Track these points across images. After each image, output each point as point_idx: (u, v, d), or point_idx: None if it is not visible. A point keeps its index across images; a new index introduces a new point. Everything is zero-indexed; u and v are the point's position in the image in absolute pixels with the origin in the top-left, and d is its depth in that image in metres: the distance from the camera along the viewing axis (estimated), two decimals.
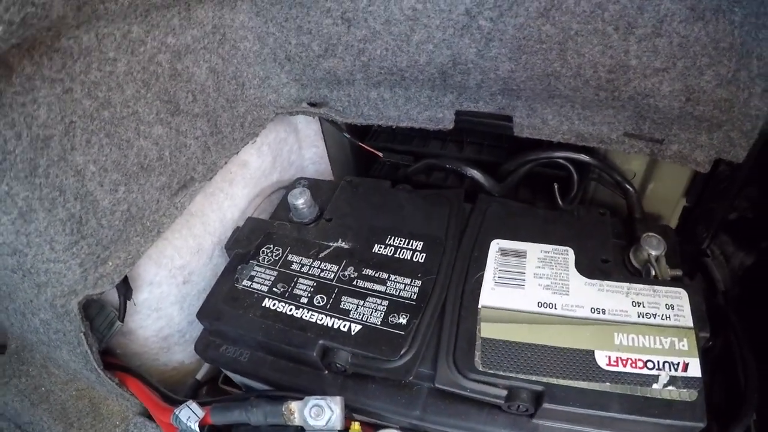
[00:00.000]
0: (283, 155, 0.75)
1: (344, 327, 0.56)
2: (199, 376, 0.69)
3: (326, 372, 0.57)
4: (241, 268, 0.64)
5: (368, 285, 0.60)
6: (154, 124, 0.57)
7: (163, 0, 0.53)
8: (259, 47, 0.65)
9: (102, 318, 0.61)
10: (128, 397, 0.62)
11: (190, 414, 0.55)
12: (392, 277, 0.60)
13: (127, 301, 0.61)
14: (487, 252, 0.61)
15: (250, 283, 0.62)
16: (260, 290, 0.61)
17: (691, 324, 0.53)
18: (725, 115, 0.55)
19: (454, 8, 0.57)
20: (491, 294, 0.58)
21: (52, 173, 0.49)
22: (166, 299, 0.65)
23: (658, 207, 0.71)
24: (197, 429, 0.53)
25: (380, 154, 0.74)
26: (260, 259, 0.64)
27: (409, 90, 0.65)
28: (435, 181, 0.77)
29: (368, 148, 0.74)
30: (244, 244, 0.66)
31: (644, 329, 0.53)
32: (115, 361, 0.64)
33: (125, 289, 0.60)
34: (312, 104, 0.70)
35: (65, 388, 0.67)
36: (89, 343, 0.56)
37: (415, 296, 0.58)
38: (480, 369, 0.52)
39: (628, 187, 0.65)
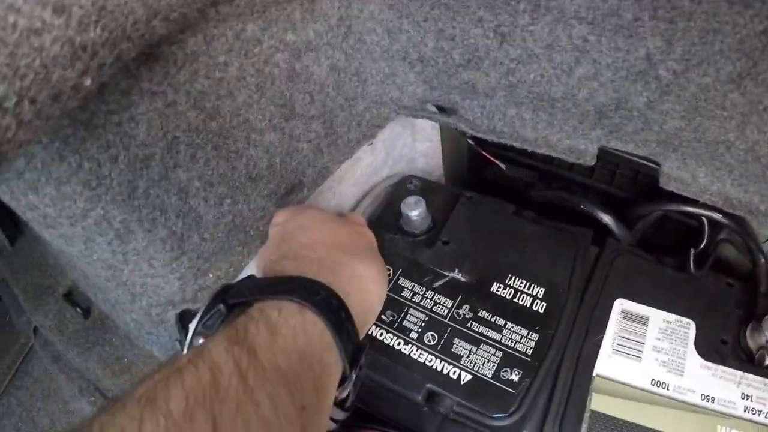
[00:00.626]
0: (396, 150, 0.70)
1: (454, 374, 0.56)
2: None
3: (425, 408, 0.57)
4: None
5: (483, 330, 0.58)
6: (266, 131, 0.53)
7: None
8: (388, 42, 0.58)
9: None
10: None
11: None
12: (509, 324, 0.58)
13: None
14: (610, 312, 0.59)
15: None
16: None
17: None
18: None
19: (633, 50, 0.50)
20: (607, 362, 0.57)
21: (153, 193, 0.46)
22: None
23: None
24: None
25: (503, 166, 0.69)
26: None
27: (554, 117, 0.59)
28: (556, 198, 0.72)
29: (491, 158, 0.69)
30: None
31: (747, 426, 0.53)
32: None
33: None
34: (439, 108, 0.64)
35: (148, 362, 0.68)
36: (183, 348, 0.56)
37: (531, 351, 0.57)
38: None
39: (759, 256, 0.62)
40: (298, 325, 0.39)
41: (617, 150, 0.60)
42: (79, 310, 0.69)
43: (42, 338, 0.71)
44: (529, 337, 0.58)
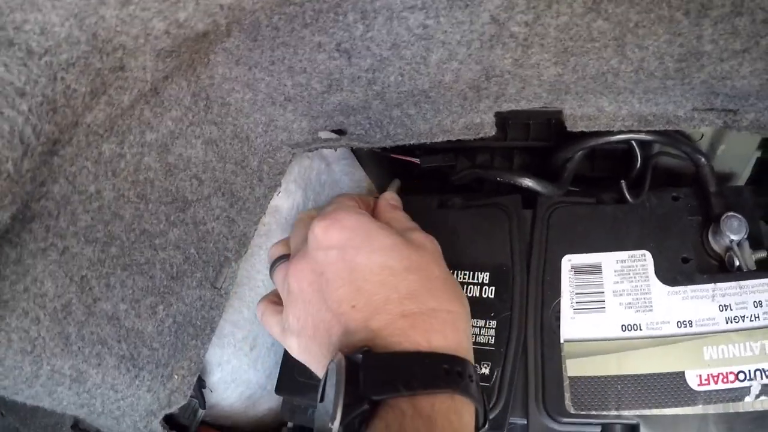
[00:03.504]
0: (313, 181, 0.71)
1: None
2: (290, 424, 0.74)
3: None
4: None
5: None
6: (168, 231, 0.55)
7: (122, 108, 0.47)
8: (251, 95, 0.59)
9: (184, 410, 0.64)
10: None
11: None
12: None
13: (203, 389, 0.64)
14: (560, 272, 0.59)
15: None
16: None
17: None
18: None
19: (476, 18, 0.49)
20: (572, 324, 0.57)
21: (86, 332, 0.48)
22: (239, 369, 0.67)
23: (729, 164, 0.66)
24: None
25: (417, 161, 0.70)
26: None
27: (437, 103, 0.59)
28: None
29: (402, 157, 0.69)
30: None
31: (733, 336, 0.52)
32: (206, 430, 0.68)
33: (198, 382, 0.62)
34: (332, 131, 0.65)
35: None
36: None
37: (493, 340, 0.58)
38: (572, 411, 0.53)
39: (699, 157, 0.60)
40: (451, 413, 0.40)
41: (512, 110, 0.59)
42: None
43: None
44: (487, 326, 0.59)
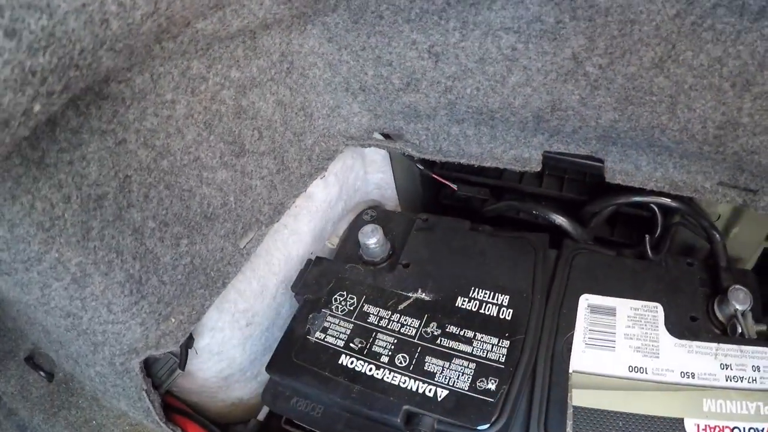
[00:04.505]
0: (349, 183, 0.75)
1: (430, 392, 0.57)
2: (261, 417, 0.71)
3: (406, 431, 0.58)
4: (313, 317, 0.64)
5: (453, 344, 0.61)
6: (218, 169, 0.56)
7: (228, 31, 0.50)
8: (330, 75, 0.63)
9: (161, 365, 0.63)
10: None
11: None
12: (478, 336, 0.61)
13: (189, 350, 0.62)
14: (577, 308, 0.62)
15: (324, 335, 0.63)
16: (336, 345, 0.62)
17: None
18: None
19: (559, 51, 0.55)
20: (582, 357, 0.59)
21: (108, 234, 0.48)
22: (228, 342, 0.66)
23: (738, 249, 0.72)
24: None
25: (455, 187, 0.74)
26: (333, 308, 0.65)
27: (496, 129, 0.64)
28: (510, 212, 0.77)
29: (442, 179, 0.73)
30: (314, 288, 0.67)
31: (731, 394, 0.55)
32: (172, 401, 0.66)
33: (187, 338, 0.61)
34: (385, 135, 0.68)
35: (118, 423, 0.67)
36: (151, 399, 0.57)
37: (504, 358, 0.59)
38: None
39: (714, 233, 0.66)
40: None
41: (560, 153, 0.64)
42: (42, 373, 0.69)
43: (5, 408, 0.70)
44: (500, 345, 0.60)
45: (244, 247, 0.61)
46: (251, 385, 0.71)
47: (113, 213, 0.48)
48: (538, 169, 0.65)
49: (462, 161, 0.66)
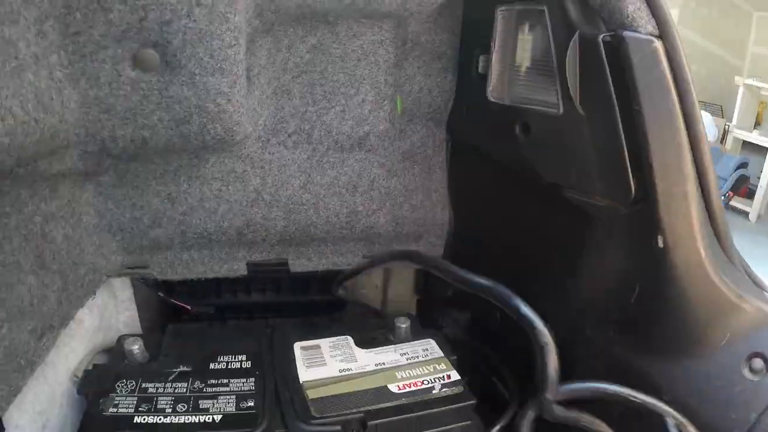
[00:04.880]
0: (105, 318, 0.95)
1: (208, 419, 0.78)
2: None
3: None
4: (103, 401, 0.80)
5: (216, 389, 0.83)
6: (29, 274, 0.74)
7: (42, 174, 0.74)
8: (98, 220, 0.89)
9: None
10: None
11: None
12: (232, 380, 0.85)
13: None
14: (293, 353, 0.91)
15: (115, 410, 0.79)
16: (128, 412, 0.79)
17: (441, 354, 0.91)
18: (422, 228, 1.00)
19: (246, 187, 0.92)
20: (307, 372, 0.87)
21: None
22: None
23: (401, 305, 1.11)
24: None
25: (188, 307, 1.00)
26: (118, 391, 0.82)
27: (213, 250, 0.96)
28: None
29: (178, 303, 0.99)
30: (97, 383, 0.83)
31: (414, 365, 0.89)
32: None
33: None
34: (132, 268, 0.94)
35: None
36: None
37: (254, 387, 0.84)
38: (317, 416, 0.80)
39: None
40: None
41: (257, 261, 0.98)
42: None
43: None
44: (248, 381, 0.86)
45: (43, 344, 0.76)
46: None
47: None
48: (245, 274, 0.97)
49: (192, 277, 0.95)
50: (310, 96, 0.92)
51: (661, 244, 0.64)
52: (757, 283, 0.68)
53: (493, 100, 0.88)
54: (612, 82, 0.64)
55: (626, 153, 0.65)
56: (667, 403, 0.66)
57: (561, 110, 0.74)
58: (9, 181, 0.68)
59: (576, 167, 0.75)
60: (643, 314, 0.71)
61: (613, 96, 0.65)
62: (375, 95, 0.95)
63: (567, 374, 0.75)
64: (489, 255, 0.97)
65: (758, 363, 0.61)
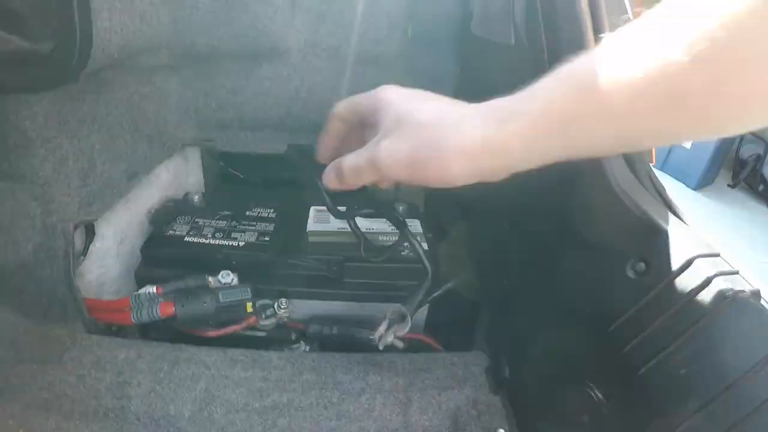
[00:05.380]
0: (179, 177, 1.30)
1: (234, 244, 1.10)
2: None
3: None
4: (166, 226, 1.14)
5: (245, 227, 1.14)
6: (126, 132, 1.06)
7: (141, 66, 1.07)
8: (179, 102, 1.22)
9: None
10: (79, 317, 0.95)
11: (148, 288, 1.02)
12: (259, 223, 1.16)
13: (90, 243, 1.06)
14: (309, 211, 1.20)
15: (173, 231, 1.12)
16: (180, 234, 1.12)
17: (420, 231, 1.16)
18: None
19: (288, 86, 1.21)
20: (313, 225, 1.16)
21: (83, 140, 0.95)
22: (108, 252, 1.08)
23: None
24: (155, 291, 1.01)
25: (240, 175, 1.32)
26: (178, 221, 1.15)
27: (263, 132, 1.26)
28: None
29: (233, 171, 1.32)
30: (164, 216, 1.17)
31: (394, 233, 1.15)
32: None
33: (91, 233, 1.05)
34: (204, 140, 1.28)
35: (15, 326, 0.92)
36: (72, 257, 0.94)
37: (272, 229, 1.14)
38: (310, 252, 1.09)
39: None
40: None
41: (295, 144, 1.27)
42: None
43: None
44: (269, 225, 1.16)
45: (131, 182, 1.11)
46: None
47: (87, 133, 0.96)
48: (283, 151, 1.27)
49: (247, 151, 1.27)
50: (340, 19, 1.18)
51: None
52: (666, 203, 0.71)
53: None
54: None
55: None
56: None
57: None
58: (119, 70, 1.01)
59: None
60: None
61: None
62: (389, 22, 1.20)
63: None
64: None
65: (641, 266, 0.65)
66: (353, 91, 0.68)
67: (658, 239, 0.63)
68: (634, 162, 0.73)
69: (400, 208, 1.23)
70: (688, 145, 4.25)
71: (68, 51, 0.76)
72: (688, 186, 4.41)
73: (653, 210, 0.66)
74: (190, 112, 1.25)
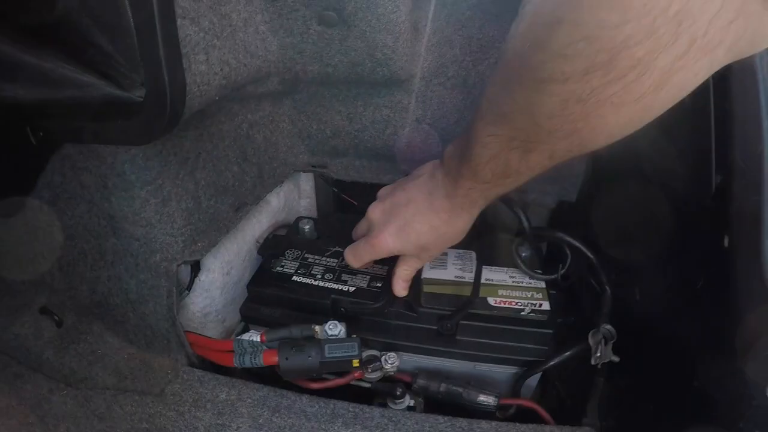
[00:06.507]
0: (290, 201, 1.24)
1: (344, 288, 1.03)
2: None
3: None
4: (274, 261, 1.09)
5: (357, 269, 1.07)
6: (233, 164, 1.03)
7: (250, 94, 1.00)
8: (291, 127, 1.16)
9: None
10: (181, 350, 0.94)
11: (252, 335, 0.97)
12: (372, 266, 1.08)
13: (195, 277, 1.02)
14: None
15: (281, 268, 1.07)
16: (288, 272, 1.06)
17: (543, 286, 1.05)
18: (556, 172, 1.12)
19: (409, 116, 1.11)
20: (428, 271, 1.07)
21: (186, 179, 0.91)
22: (214, 284, 1.04)
23: None
24: (259, 339, 0.96)
25: (355, 203, 1.25)
26: (287, 255, 1.10)
27: (379, 162, 1.18)
28: None
29: (348, 198, 1.25)
30: (272, 248, 1.12)
31: (516, 288, 1.04)
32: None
33: (197, 267, 1.02)
34: (315, 166, 1.21)
35: (119, 352, 0.96)
36: (175, 295, 0.92)
37: (385, 273, 1.06)
38: (423, 305, 1.00)
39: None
40: None
41: None
42: (56, 317, 0.94)
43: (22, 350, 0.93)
44: (382, 268, 1.08)
45: (237, 215, 1.06)
46: (219, 329, 1.08)
47: (191, 168, 0.92)
48: None
49: (360, 180, 1.19)
50: (468, 47, 1.07)
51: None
52: None
53: None
54: None
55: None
56: None
57: None
58: (225, 99, 0.95)
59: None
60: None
61: None
62: None
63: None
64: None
65: None
66: None
67: None
68: None
69: (522, 254, 1.11)
70: None
71: (159, 102, 0.68)
72: None
73: None
74: (303, 137, 1.19)
